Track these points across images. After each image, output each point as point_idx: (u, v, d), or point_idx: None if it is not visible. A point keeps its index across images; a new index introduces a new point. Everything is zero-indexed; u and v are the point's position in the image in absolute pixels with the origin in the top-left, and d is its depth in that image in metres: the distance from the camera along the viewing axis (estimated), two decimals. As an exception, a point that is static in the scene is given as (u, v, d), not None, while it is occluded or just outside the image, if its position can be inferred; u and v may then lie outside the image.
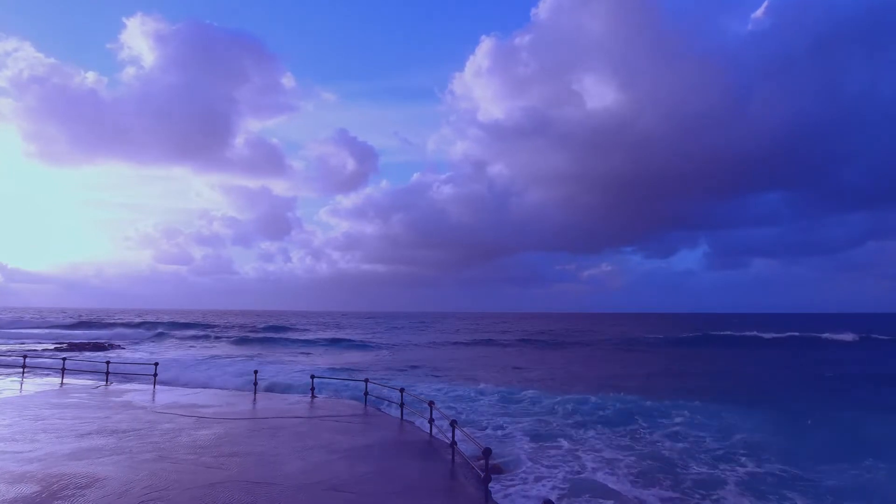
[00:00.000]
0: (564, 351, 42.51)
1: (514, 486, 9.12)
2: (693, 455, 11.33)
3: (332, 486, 7.28)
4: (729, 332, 58.97)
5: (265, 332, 63.74)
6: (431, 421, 10.48)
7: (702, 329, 69.20)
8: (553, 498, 8.13)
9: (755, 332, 55.78)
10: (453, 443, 8.81)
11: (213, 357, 33.61)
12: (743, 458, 11.11)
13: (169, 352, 38.68)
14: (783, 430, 13.61)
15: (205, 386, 19.49)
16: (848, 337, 51.58)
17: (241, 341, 49.91)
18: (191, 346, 45.49)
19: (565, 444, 11.98)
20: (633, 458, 10.97)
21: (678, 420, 14.27)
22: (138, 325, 72.33)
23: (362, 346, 46.65)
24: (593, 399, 16.59)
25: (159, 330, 62.72)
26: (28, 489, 6.79)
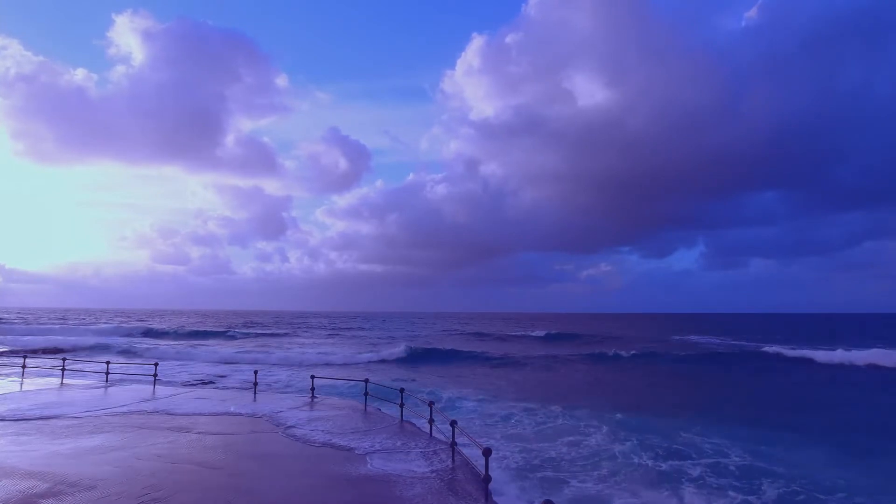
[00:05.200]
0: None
1: None
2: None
3: (333, 485, 7.29)
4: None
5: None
6: (431, 421, 10.50)
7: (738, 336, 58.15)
8: None
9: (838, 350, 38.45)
10: (453, 443, 8.83)
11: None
12: None
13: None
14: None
15: (206, 385, 19.49)
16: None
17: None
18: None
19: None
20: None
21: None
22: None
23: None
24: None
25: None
26: (28, 489, 6.79)
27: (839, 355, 37.68)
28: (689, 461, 12.31)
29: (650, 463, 12.06)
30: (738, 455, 12.76)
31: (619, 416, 16.75)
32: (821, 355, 38.13)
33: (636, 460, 12.24)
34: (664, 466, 11.89)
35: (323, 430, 10.81)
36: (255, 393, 15.97)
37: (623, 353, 39.10)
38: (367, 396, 14.09)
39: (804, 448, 13.79)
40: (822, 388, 25.90)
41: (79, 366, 23.10)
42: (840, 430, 16.01)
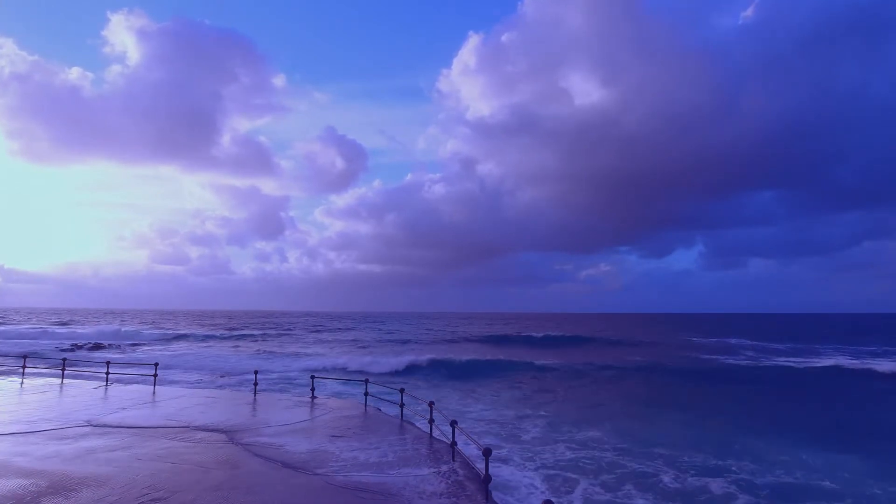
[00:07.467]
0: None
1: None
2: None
3: (334, 486, 7.29)
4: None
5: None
6: (431, 421, 10.50)
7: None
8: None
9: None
10: (453, 443, 8.83)
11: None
12: None
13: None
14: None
15: (207, 385, 19.51)
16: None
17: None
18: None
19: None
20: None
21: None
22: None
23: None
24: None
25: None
26: (28, 488, 6.79)
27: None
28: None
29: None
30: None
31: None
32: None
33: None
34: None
35: (323, 431, 10.82)
36: (255, 394, 15.97)
37: (638, 358, 38.77)
38: (367, 397, 14.10)
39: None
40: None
41: (78, 365, 23.13)
42: None
